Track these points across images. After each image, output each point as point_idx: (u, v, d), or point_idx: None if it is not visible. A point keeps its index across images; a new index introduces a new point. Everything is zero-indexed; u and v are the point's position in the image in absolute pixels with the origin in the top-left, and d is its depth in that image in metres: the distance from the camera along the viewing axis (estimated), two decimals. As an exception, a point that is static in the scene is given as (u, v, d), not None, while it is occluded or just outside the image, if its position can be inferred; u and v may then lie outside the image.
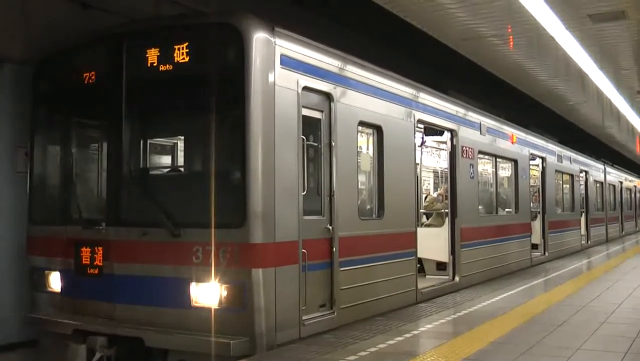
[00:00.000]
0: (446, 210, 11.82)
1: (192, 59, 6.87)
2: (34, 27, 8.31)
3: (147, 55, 7.08)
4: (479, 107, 13.33)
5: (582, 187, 22.65)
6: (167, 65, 6.97)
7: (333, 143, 7.73)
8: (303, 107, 7.25)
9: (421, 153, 13.80)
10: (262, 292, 6.47)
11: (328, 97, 7.78)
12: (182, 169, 8.92)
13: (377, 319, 8.30)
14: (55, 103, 8.16)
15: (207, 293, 6.58)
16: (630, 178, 35.30)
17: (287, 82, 7.04)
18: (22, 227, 8.05)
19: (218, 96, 6.79)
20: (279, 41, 6.94)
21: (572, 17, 10.50)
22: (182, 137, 8.97)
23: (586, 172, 23.01)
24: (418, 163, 12.47)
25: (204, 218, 6.45)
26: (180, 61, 6.89)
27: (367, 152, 9.03)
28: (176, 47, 6.88)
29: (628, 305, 9.73)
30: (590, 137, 27.75)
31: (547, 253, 17.19)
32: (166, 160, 9.56)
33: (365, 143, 9.01)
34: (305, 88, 7.32)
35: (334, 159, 7.73)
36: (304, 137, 7.23)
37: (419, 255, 10.23)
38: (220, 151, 6.79)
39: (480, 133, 12.79)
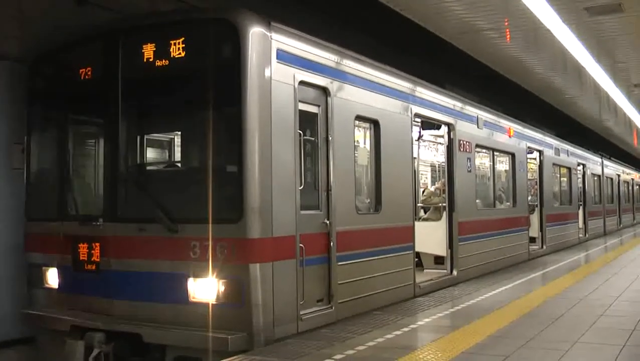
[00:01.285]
0: (444, 204, 11.82)
1: (188, 54, 6.84)
2: (30, 23, 8.27)
3: (143, 51, 7.06)
4: (476, 100, 13.32)
5: (580, 180, 22.65)
6: (163, 61, 6.94)
7: (330, 138, 7.72)
8: (300, 101, 7.24)
9: (418, 147, 13.77)
10: (260, 287, 6.47)
11: (325, 91, 7.76)
12: (179, 164, 8.90)
13: (375, 313, 8.31)
14: (51, 100, 8.13)
15: (205, 288, 6.57)
16: (627, 171, 35.33)
17: (284, 76, 7.01)
18: (19, 224, 8.03)
19: (214, 91, 6.76)
20: (275, 35, 6.91)
21: (569, 10, 10.48)
22: (179, 133, 8.95)
23: (584, 165, 23.02)
24: (415, 157, 12.46)
25: (201, 214, 6.45)
26: (176, 56, 6.87)
27: (364, 146, 9.01)
28: (172, 42, 6.86)
29: (625, 298, 9.74)
30: (587, 130, 27.75)
31: (544, 247, 17.21)
32: (163, 155, 9.54)
33: (362, 137, 9.00)
34: (302, 82, 7.30)
35: (330, 154, 7.71)
36: (300, 132, 7.22)
37: (417, 249, 10.23)
38: (217, 146, 6.77)
39: (478, 127, 12.79)
